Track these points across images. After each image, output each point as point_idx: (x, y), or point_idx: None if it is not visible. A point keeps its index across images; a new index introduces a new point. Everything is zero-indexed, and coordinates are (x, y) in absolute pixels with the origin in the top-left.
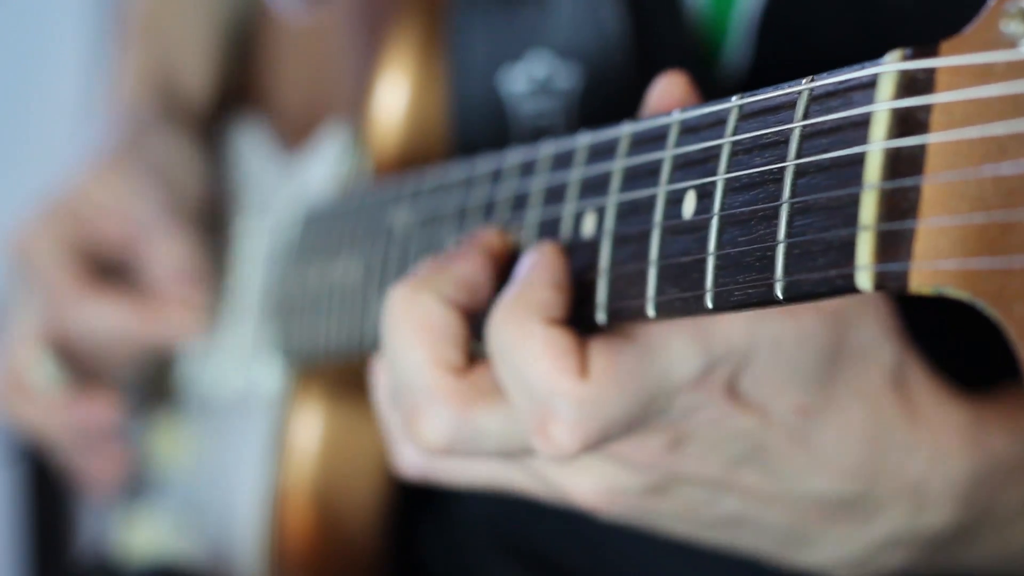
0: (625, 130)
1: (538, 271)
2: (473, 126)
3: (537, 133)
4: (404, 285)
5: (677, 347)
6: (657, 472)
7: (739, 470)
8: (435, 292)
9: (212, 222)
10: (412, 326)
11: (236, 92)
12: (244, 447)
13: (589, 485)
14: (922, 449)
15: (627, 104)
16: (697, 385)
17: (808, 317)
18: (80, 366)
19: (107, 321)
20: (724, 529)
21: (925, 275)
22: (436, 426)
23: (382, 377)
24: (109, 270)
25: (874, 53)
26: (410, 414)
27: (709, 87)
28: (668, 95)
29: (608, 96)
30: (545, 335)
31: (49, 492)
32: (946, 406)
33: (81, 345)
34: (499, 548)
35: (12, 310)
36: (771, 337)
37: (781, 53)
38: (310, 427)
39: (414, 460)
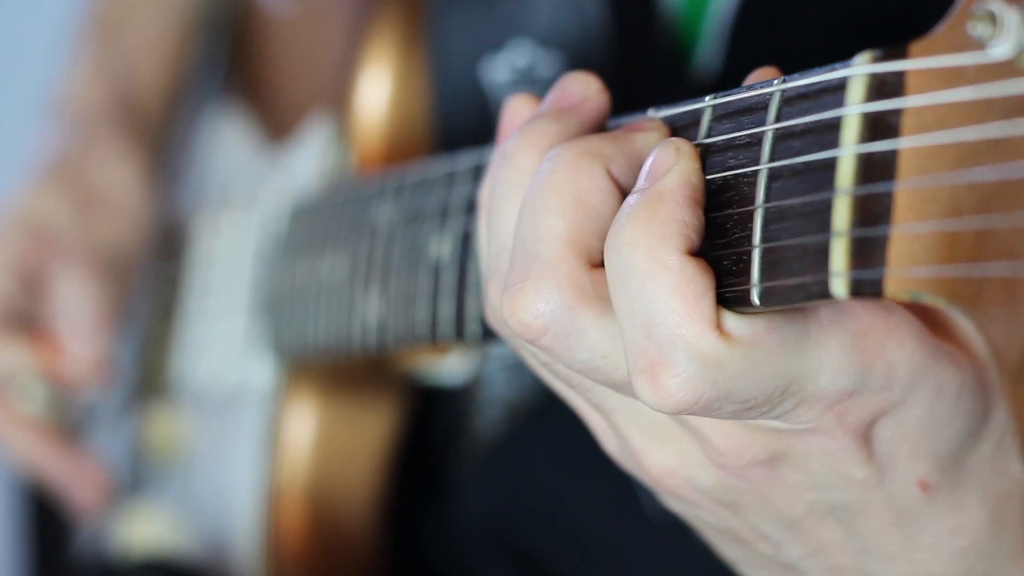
0: None
1: (677, 179)
2: (456, 117)
3: None
4: (575, 146)
5: (834, 350)
6: (741, 482)
7: (823, 521)
8: (605, 165)
9: (160, 243)
10: (567, 192)
11: (223, 84)
12: (239, 442)
13: (663, 459)
14: None
15: (609, 91)
16: (834, 405)
17: (969, 374)
18: None
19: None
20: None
21: (900, 282)
22: (537, 306)
23: (482, 228)
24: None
25: (847, 54)
26: (516, 280)
27: (682, 87)
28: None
29: None
30: (683, 269)
31: (49, 491)
32: None
33: None
34: (497, 548)
35: None
36: (935, 384)
37: (753, 54)
38: (303, 423)
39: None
